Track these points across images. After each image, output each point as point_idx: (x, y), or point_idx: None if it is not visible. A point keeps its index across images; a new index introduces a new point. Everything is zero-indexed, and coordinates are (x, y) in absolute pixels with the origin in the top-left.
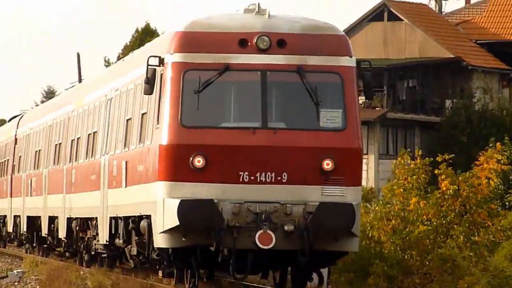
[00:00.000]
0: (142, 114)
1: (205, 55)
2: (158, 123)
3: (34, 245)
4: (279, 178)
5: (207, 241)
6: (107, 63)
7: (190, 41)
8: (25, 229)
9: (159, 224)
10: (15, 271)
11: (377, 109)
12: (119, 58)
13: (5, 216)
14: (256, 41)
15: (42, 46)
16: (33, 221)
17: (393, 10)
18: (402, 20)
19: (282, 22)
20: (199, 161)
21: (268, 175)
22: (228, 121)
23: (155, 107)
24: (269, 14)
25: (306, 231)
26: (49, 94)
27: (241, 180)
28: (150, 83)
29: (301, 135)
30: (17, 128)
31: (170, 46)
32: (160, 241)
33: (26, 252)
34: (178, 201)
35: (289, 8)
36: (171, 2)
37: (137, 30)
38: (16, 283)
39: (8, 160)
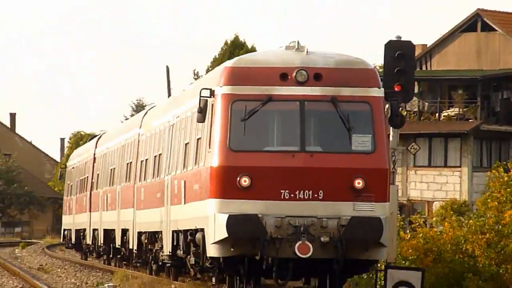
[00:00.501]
0: (197, 139)
1: (250, 87)
2: (210, 147)
3: (111, 256)
4: (315, 195)
5: (253, 251)
6: (196, 76)
7: (237, 75)
8: (102, 241)
9: (211, 236)
10: (106, 285)
11: (470, 121)
12: (207, 71)
13: (84, 229)
14: (295, 74)
15: (132, 60)
16: (109, 234)
17: (486, 21)
18: (496, 30)
19: (318, 58)
20: (245, 181)
21: (306, 192)
22: (271, 145)
23: (208, 133)
24: (307, 51)
25: (340, 242)
26: (139, 108)
27: (282, 197)
28: (202, 112)
29: (335, 158)
30: (96, 147)
31: (220, 79)
32: (212, 251)
33: (104, 263)
34: (226, 215)
35: (384, 21)
36: (260, 15)
37: (226, 43)
38: None
39: (87, 177)
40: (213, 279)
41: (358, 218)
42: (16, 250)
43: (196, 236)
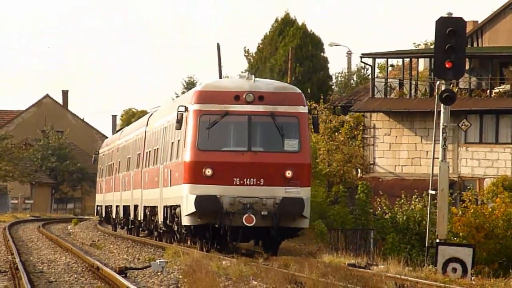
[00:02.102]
0: (178, 140)
1: (213, 105)
2: (184, 147)
3: (130, 226)
4: (258, 182)
5: (214, 221)
6: (247, 54)
7: (204, 96)
8: (122, 215)
9: (184, 210)
10: (157, 261)
11: None
12: (258, 49)
13: (111, 206)
14: (245, 96)
15: (184, 37)
16: (127, 209)
17: None
18: None
19: (261, 84)
20: (208, 171)
21: (251, 180)
22: (227, 146)
23: (183, 137)
24: (254, 79)
25: (275, 215)
26: (190, 85)
27: (234, 183)
28: (179, 122)
29: (272, 155)
30: (119, 139)
31: (192, 99)
32: (185, 221)
33: (123, 230)
34: (195, 196)
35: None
36: None
37: (276, 20)
38: (159, 273)
39: (113, 163)
40: (188, 241)
41: (288, 198)
42: (69, 226)
43: (176, 210)
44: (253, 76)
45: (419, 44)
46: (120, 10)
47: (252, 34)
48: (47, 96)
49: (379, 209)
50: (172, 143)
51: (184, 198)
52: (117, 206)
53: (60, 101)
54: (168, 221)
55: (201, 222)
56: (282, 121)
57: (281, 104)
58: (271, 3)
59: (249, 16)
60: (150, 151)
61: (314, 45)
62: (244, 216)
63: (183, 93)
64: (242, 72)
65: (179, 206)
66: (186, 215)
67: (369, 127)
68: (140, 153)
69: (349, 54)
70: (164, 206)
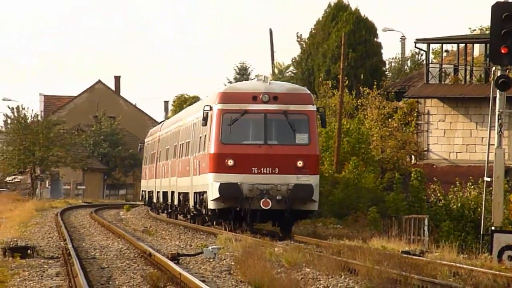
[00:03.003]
0: (204, 135)
1: (234, 104)
2: (209, 141)
3: (169, 210)
4: (273, 171)
5: (235, 205)
6: (300, 39)
7: (226, 97)
8: (161, 200)
9: (210, 196)
10: (210, 247)
11: None
12: (311, 34)
13: (152, 191)
14: (262, 97)
15: (236, 23)
16: (165, 195)
17: None
18: None
19: (276, 86)
20: (230, 162)
21: (268, 169)
22: (246, 140)
23: (209, 132)
24: (269, 82)
25: (288, 199)
26: (242, 71)
27: (253, 172)
28: (205, 119)
29: (285, 148)
30: (160, 131)
31: (215, 99)
32: (211, 205)
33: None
34: (219, 183)
35: None
36: None
37: (329, 5)
38: (211, 260)
39: (154, 152)
40: (214, 223)
41: (299, 185)
42: (121, 212)
43: (204, 196)
44: (268, 78)
45: (474, 29)
46: None
47: (305, 19)
48: (99, 81)
49: (433, 196)
50: (200, 137)
51: (210, 185)
52: (157, 192)
53: (112, 87)
54: (197, 205)
55: (225, 206)
56: (294, 118)
57: (293, 103)
58: None
59: (302, 1)
60: (183, 144)
61: (367, 30)
62: (262, 201)
63: (234, 78)
64: (258, 75)
65: (206, 192)
66: (212, 200)
67: (423, 113)
68: (176, 145)
69: (403, 39)
70: (194, 192)
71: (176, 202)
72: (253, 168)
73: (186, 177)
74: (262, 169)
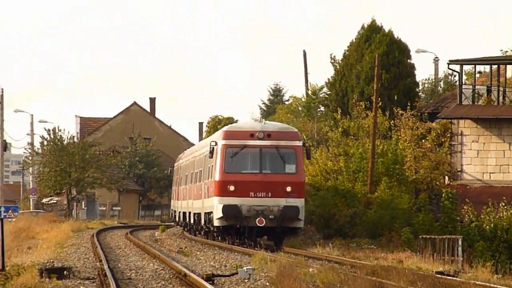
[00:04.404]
0: (212, 165)
1: (235, 140)
2: (215, 170)
3: (188, 228)
4: (267, 194)
5: (236, 222)
6: (333, 60)
7: (228, 134)
8: (182, 219)
9: (215, 215)
10: (244, 268)
11: None
12: (345, 56)
13: (175, 211)
14: (257, 134)
15: (270, 45)
16: (185, 214)
17: None
18: None
19: (269, 125)
20: (231, 187)
21: (262, 193)
22: (245, 169)
23: (214, 163)
24: (264, 122)
25: (279, 218)
26: (276, 92)
27: (250, 196)
28: (212, 153)
29: (277, 176)
30: (177, 161)
31: (220, 136)
32: (216, 222)
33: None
34: (222, 205)
35: None
36: None
37: (363, 27)
38: (246, 280)
39: (178, 177)
40: (219, 237)
41: (288, 206)
42: (156, 233)
43: (211, 215)
44: (263, 120)
45: (507, 51)
46: (209, 15)
47: (339, 40)
48: (134, 103)
49: (466, 217)
50: (209, 167)
51: (215, 206)
52: (179, 212)
53: (148, 108)
54: (207, 223)
55: (227, 223)
56: (284, 152)
57: (283, 140)
58: (358, 10)
59: (335, 23)
60: (197, 172)
61: (400, 51)
62: (257, 219)
63: (268, 99)
64: (254, 118)
65: (212, 212)
66: (217, 219)
67: (457, 134)
68: (192, 172)
69: (436, 60)
70: (205, 213)
71: (192, 221)
72: (251, 192)
73: (199, 200)
74: (257, 193)
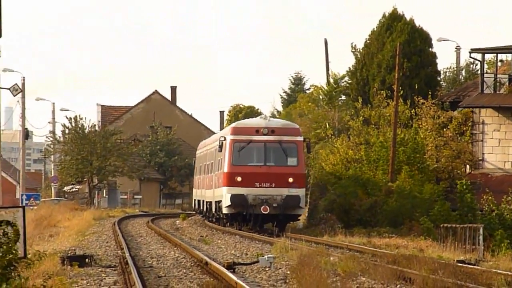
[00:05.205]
0: (221, 158)
1: (242, 136)
2: (224, 163)
3: (206, 215)
4: (271, 185)
5: (243, 210)
6: (354, 49)
7: (236, 130)
8: (197, 207)
9: (223, 203)
10: (265, 256)
11: None
12: (366, 45)
13: (194, 199)
14: (262, 130)
15: (291, 34)
16: (200, 202)
17: None
18: None
19: (273, 122)
20: (239, 178)
21: (267, 184)
22: (251, 162)
23: (223, 156)
24: (268, 119)
25: (282, 206)
26: (297, 81)
27: (255, 186)
28: (221, 147)
29: (280, 168)
30: (198, 150)
31: (228, 132)
32: (224, 210)
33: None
34: (230, 194)
35: None
36: None
37: (384, 15)
38: (267, 269)
39: (197, 167)
40: (227, 223)
41: (290, 195)
42: (177, 221)
43: (220, 203)
44: (268, 116)
45: None
46: (232, 5)
47: (360, 29)
48: (155, 92)
49: (486, 206)
50: (219, 160)
51: (224, 195)
52: (195, 200)
53: (169, 97)
54: (217, 211)
55: (235, 211)
56: (286, 146)
57: (286, 135)
58: None
59: (356, 12)
60: (209, 164)
61: (422, 40)
62: (262, 207)
63: (289, 88)
64: (262, 115)
65: (221, 201)
66: (225, 207)
67: (478, 123)
68: (206, 164)
69: (457, 49)
70: (215, 201)
71: (204, 209)
72: (256, 183)
73: (210, 190)
74: (262, 183)
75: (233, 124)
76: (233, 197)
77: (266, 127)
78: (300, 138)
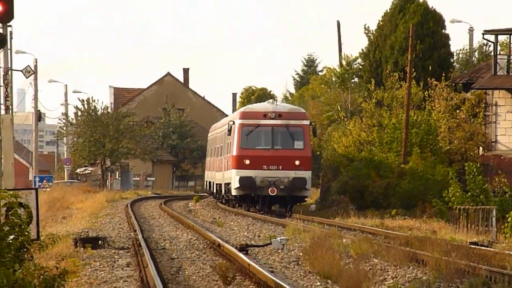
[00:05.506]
0: (230, 142)
1: (250, 120)
2: (233, 146)
3: (216, 196)
4: (278, 167)
5: (251, 192)
6: (367, 31)
7: (245, 114)
8: (208, 188)
9: (233, 185)
10: (278, 238)
11: None
12: (379, 26)
13: (206, 180)
14: (270, 114)
15: (304, 15)
16: (210, 184)
17: None
18: None
19: (280, 107)
20: (247, 161)
21: (274, 166)
22: (259, 145)
23: (232, 140)
24: (276, 103)
25: (289, 188)
26: (309, 63)
27: (263, 168)
28: (230, 131)
29: (287, 151)
30: (210, 132)
31: (237, 116)
32: (233, 192)
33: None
34: (239, 177)
35: None
36: None
37: None
38: (280, 250)
39: (208, 150)
40: (236, 205)
41: (296, 177)
42: (190, 203)
43: (229, 185)
44: (275, 101)
45: None
46: None
47: (373, 11)
48: (168, 74)
49: (499, 188)
50: (228, 143)
51: (233, 178)
52: (207, 181)
53: (181, 79)
54: (226, 192)
55: (243, 193)
56: (293, 130)
57: (292, 119)
58: None
59: None
60: (219, 147)
61: (435, 22)
62: (269, 189)
63: (302, 70)
64: (269, 100)
65: (231, 183)
66: (234, 189)
67: (491, 105)
68: (216, 147)
69: (471, 30)
70: (224, 183)
71: (214, 190)
72: (264, 166)
73: (220, 172)
74: (270, 166)
75: (242, 109)
76: (242, 179)
77: (273, 111)
78: (307, 122)
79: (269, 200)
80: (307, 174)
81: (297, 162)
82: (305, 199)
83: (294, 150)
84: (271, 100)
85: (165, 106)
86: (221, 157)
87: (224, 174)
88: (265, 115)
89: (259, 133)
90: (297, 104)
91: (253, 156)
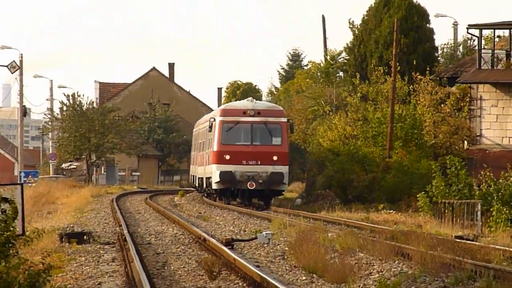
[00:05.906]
0: (210, 138)
1: (230, 117)
2: (213, 142)
3: (200, 190)
4: (257, 162)
5: (231, 186)
6: (352, 25)
7: (225, 112)
8: (192, 182)
9: (213, 179)
10: (264, 233)
11: None
12: (363, 21)
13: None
14: (249, 112)
15: (289, 10)
16: (194, 178)
17: None
18: None
19: (259, 104)
20: (227, 157)
21: (253, 161)
22: (238, 141)
23: (213, 136)
24: (254, 102)
25: (267, 182)
26: (294, 57)
27: (242, 163)
28: (211, 127)
29: (265, 147)
30: (195, 127)
31: (218, 113)
32: (214, 186)
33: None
34: (219, 171)
35: None
36: None
37: None
38: (265, 245)
39: (192, 145)
40: (217, 198)
41: (274, 172)
42: (175, 198)
43: (210, 179)
44: (254, 99)
45: None
46: None
47: (357, 5)
48: (153, 69)
49: (484, 182)
50: (209, 139)
51: (213, 172)
52: (192, 175)
53: (167, 74)
54: (207, 186)
55: (223, 187)
56: (271, 127)
57: (271, 117)
58: None
59: None
60: (201, 142)
61: (419, 16)
62: (248, 183)
63: (287, 65)
64: (248, 98)
65: (211, 177)
66: (215, 183)
67: (476, 99)
68: (199, 142)
69: (455, 25)
70: (205, 178)
71: (197, 184)
72: (243, 161)
73: (202, 166)
74: (249, 161)
75: (222, 106)
76: (222, 174)
77: (252, 109)
78: (284, 119)
79: (249, 194)
80: (284, 169)
81: (275, 158)
82: (282, 193)
83: (272, 146)
84: (250, 98)
85: (150, 100)
86: (203, 152)
87: (206, 168)
88: (244, 113)
89: (238, 130)
90: (283, 99)
91: (233, 151)
